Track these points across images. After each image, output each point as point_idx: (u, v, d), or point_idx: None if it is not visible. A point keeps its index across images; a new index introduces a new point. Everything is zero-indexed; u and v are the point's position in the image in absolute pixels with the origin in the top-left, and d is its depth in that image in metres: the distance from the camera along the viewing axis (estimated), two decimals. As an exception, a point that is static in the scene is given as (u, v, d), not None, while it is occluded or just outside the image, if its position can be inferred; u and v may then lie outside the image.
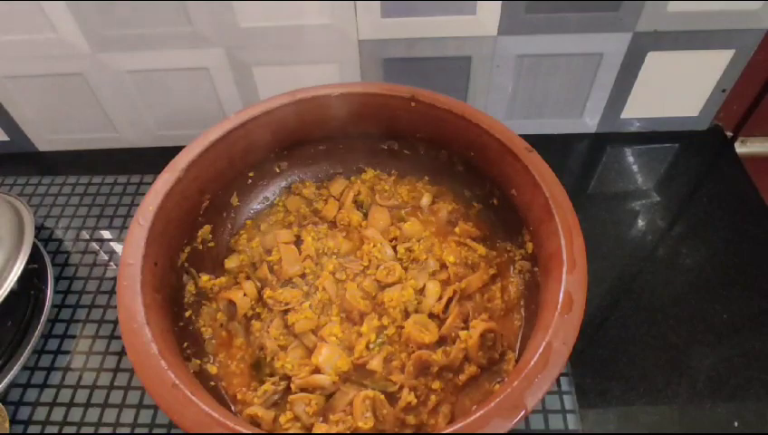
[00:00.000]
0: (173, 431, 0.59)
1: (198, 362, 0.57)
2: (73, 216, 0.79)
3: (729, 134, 0.86)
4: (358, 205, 0.71)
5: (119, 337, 0.65)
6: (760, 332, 0.64)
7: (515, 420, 0.42)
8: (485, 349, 0.57)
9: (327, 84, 0.66)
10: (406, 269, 0.63)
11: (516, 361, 0.57)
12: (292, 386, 0.55)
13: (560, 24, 0.71)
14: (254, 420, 0.54)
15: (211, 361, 0.59)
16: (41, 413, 0.60)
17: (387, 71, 0.78)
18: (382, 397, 0.53)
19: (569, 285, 0.49)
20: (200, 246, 0.64)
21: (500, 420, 0.42)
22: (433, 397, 0.55)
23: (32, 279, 0.67)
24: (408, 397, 0.54)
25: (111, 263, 0.73)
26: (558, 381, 0.60)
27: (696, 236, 0.74)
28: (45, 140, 0.88)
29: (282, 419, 0.53)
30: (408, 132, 0.69)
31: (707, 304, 0.67)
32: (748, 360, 0.62)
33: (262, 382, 0.57)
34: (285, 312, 0.61)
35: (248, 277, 0.64)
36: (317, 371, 0.55)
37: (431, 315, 0.60)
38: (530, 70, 0.77)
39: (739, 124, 0.85)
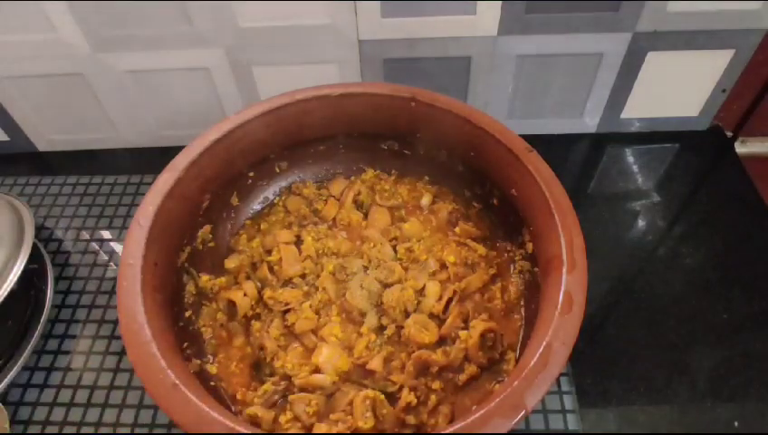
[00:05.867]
0: (173, 431, 0.59)
1: (198, 362, 0.57)
2: (73, 216, 0.79)
3: (729, 134, 0.86)
4: (358, 205, 0.71)
5: (119, 337, 0.65)
6: (760, 332, 0.64)
7: (515, 420, 0.42)
8: (485, 349, 0.57)
9: (327, 84, 0.66)
10: (406, 269, 0.63)
11: (516, 361, 0.57)
12: (293, 386, 0.55)
13: (560, 24, 0.71)
14: (254, 420, 0.54)
15: (211, 361, 0.59)
16: (41, 413, 0.60)
17: (387, 71, 0.77)
18: (382, 397, 0.53)
19: (569, 285, 0.49)
20: (200, 246, 0.64)
21: (500, 420, 0.42)
22: (433, 397, 0.55)
23: (32, 279, 0.67)
24: (407, 397, 0.54)
25: (111, 263, 0.73)
26: (558, 381, 0.60)
27: (696, 236, 0.74)
28: (45, 140, 0.88)
29: (282, 419, 0.53)
30: (408, 132, 0.69)
31: (707, 304, 0.67)
32: (748, 360, 0.62)
33: (262, 382, 0.57)
34: (285, 312, 0.61)
35: (248, 277, 0.64)
36: (317, 371, 0.56)
37: (431, 315, 0.60)
38: (530, 70, 0.77)
39: (739, 124, 0.85)
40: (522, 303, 0.62)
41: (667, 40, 0.73)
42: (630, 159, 0.84)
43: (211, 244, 0.66)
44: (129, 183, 0.82)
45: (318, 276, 0.63)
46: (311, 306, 0.60)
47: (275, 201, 0.73)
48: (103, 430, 0.59)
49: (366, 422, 0.52)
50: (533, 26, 0.71)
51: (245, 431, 0.42)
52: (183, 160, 0.59)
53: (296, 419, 0.53)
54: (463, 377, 0.56)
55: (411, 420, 0.54)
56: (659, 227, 0.75)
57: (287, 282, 0.63)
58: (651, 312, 0.66)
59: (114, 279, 0.71)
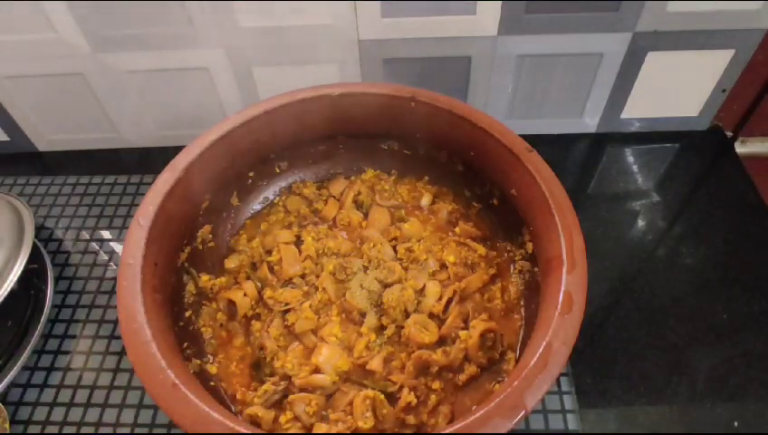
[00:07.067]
0: (173, 431, 0.59)
1: (198, 362, 0.57)
2: (73, 216, 0.79)
3: (729, 134, 0.86)
4: (358, 205, 0.71)
5: (119, 337, 0.65)
6: (760, 332, 0.64)
7: (515, 420, 0.42)
8: (485, 349, 0.57)
9: (327, 84, 0.66)
10: (406, 269, 0.63)
11: (516, 361, 0.57)
12: (293, 386, 0.55)
13: (560, 24, 0.71)
14: (254, 420, 0.54)
15: (211, 361, 0.59)
16: (41, 413, 0.60)
17: (387, 71, 0.77)
18: (382, 397, 0.53)
19: (569, 285, 0.49)
20: (200, 246, 0.64)
21: (500, 420, 0.42)
22: (433, 397, 0.55)
23: (32, 279, 0.67)
24: (407, 397, 0.54)
25: (111, 263, 0.73)
26: (558, 381, 0.60)
27: (696, 236, 0.74)
28: (45, 140, 0.88)
29: (282, 419, 0.53)
30: (408, 132, 0.69)
31: (707, 304, 0.67)
32: (748, 360, 0.62)
33: (262, 382, 0.57)
34: (285, 312, 0.61)
35: (248, 277, 0.64)
36: (317, 371, 0.56)
37: (431, 315, 0.60)
38: (530, 70, 0.77)
39: (739, 124, 0.85)
40: (522, 303, 0.62)
41: (667, 40, 0.73)
42: (630, 159, 0.84)
43: (211, 244, 0.66)
44: (129, 183, 0.82)
45: (318, 276, 0.63)
46: (311, 306, 0.60)
47: (275, 201, 0.73)
48: (103, 430, 0.59)
49: (366, 422, 0.52)
50: (533, 26, 0.71)
51: (245, 431, 0.42)
52: (183, 160, 0.59)
53: (296, 419, 0.53)
54: (463, 377, 0.56)
55: (411, 420, 0.54)
56: (659, 227, 0.75)
57: (287, 282, 0.63)
58: (651, 312, 0.66)
59: (114, 279, 0.71)
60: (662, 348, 0.63)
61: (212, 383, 0.56)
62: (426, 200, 0.71)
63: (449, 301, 0.60)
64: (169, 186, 0.57)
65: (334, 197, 0.72)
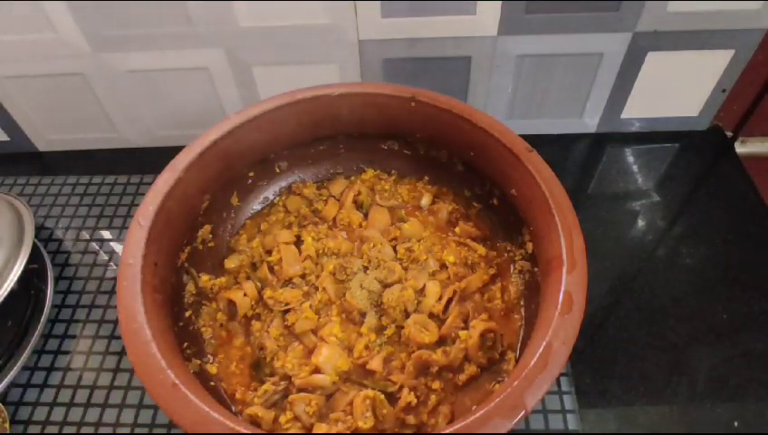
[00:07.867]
0: (173, 431, 0.59)
1: (198, 362, 0.57)
2: (73, 216, 0.79)
3: (729, 134, 0.86)
4: (358, 205, 0.71)
5: (119, 337, 0.65)
6: (760, 332, 0.64)
7: (515, 420, 0.42)
8: (485, 349, 0.57)
9: (327, 84, 0.66)
10: (406, 269, 0.63)
11: (516, 361, 0.57)
12: (293, 386, 0.55)
13: (560, 24, 0.71)
14: (254, 420, 0.54)
15: (211, 361, 0.59)
16: (41, 413, 0.60)
17: (387, 71, 0.77)
18: (382, 397, 0.53)
19: (569, 285, 0.49)
20: (200, 246, 0.64)
21: (500, 420, 0.42)
22: (433, 397, 0.55)
23: (32, 279, 0.67)
24: (407, 397, 0.54)
25: (111, 263, 0.73)
26: (558, 381, 0.60)
27: (696, 236, 0.74)
28: (45, 140, 0.88)
29: (282, 419, 0.53)
30: (408, 132, 0.69)
31: (707, 304, 0.67)
32: (748, 360, 0.62)
33: (262, 382, 0.57)
34: (285, 312, 0.61)
35: (248, 277, 0.64)
36: (317, 371, 0.56)
37: (431, 315, 0.60)
38: (530, 70, 0.77)
39: (739, 124, 0.85)
40: (522, 303, 0.62)
41: (667, 40, 0.73)
42: (630, 159, 0.84)
43: (211, 244, 0.66)
44: (129, 183, 0.82)
45: (318, 276, 0.63)
46: (311, 306, 0.60)
47: (275, 201, 0.73)
48: (103, 430, 0.59)
49: (366, 422, 0.52)
50: (533, 26, 0.71)
51: (245, 431, 0.42)
52: (183, 160, 0.59)
53: (296, 419, 0.53)
54: (463, 377, 0.56)
55: (411, 420, 0.54)
56: (659, 227, 0.75)
57: (287, 282, 0.63)
58: (651, 312, 0.66)
59: (114, 279, 0.71)
60: (662, 348, 0.63)
61: (212, 383, 0.56)
62: (426, 200, 0.71)
63: (449, 301, 0.60)
64: (169, 186, 0.57)
65: (334, 197, 0.72)
